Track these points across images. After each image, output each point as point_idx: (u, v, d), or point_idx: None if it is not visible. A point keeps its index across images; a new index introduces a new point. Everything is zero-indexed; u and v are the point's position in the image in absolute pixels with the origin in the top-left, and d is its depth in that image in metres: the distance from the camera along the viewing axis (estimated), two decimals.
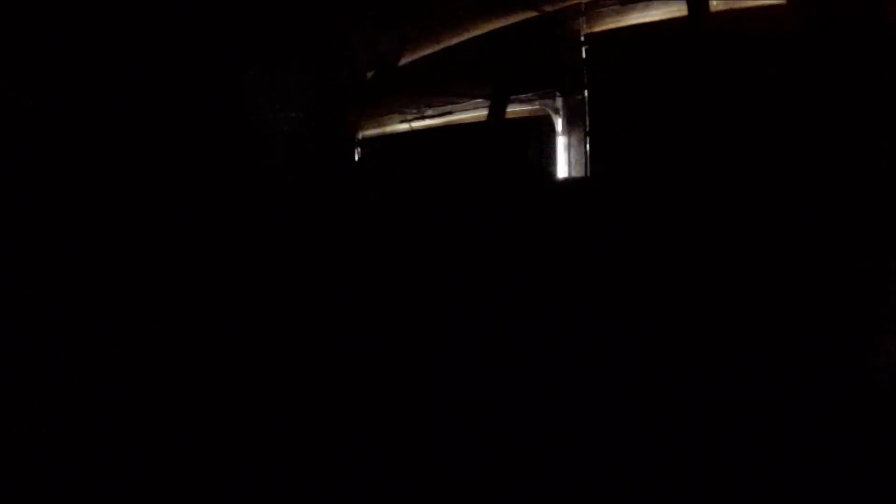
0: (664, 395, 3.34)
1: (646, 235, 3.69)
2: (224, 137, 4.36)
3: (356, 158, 5.28)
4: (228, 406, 3.60)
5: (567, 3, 4.42)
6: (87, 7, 3.78)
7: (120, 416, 3.46)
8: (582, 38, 4.42)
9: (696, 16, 3.83)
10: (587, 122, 4.38)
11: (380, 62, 4.98)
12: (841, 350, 3.16)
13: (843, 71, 3.30)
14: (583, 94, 4.41)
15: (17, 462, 3.13)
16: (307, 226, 4.48)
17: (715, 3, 3.86)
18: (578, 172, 4.44)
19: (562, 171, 4.55)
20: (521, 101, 4.78)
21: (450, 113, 5.10)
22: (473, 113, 5.04)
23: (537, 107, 4.79)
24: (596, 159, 4.31)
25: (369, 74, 5.05)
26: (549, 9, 4.48)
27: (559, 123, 4.64)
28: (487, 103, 4.75)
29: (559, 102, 4.66)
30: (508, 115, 4.79)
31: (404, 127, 5.25)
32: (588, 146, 4.36)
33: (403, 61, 5.01)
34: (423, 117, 5.15)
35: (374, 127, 5.34)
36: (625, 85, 4.14)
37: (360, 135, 5.30)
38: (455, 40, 4.88)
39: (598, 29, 4.40)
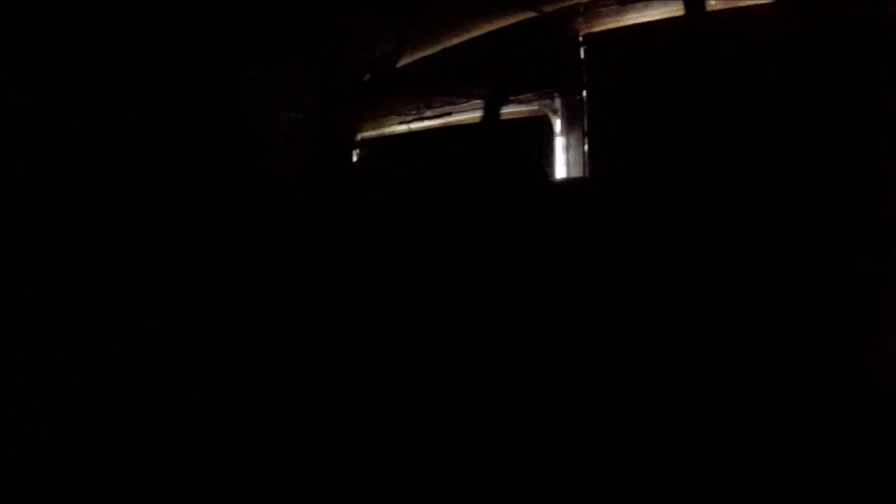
0: (664, 395, 3.35)
1: (645, 235, 3.69)
2: (224, 137, 4.36)
3: (356, 159, 5.28)
4: (228, 406, 3.60)
5: (566, 4, 4.43)
6: (87, 7, 3.78)
7: (120, 416, 3.46)
8: (580, 39, 4.42)
9: (692, 15, 3.84)
10: (586, 123, 4.38)
11: (379, 63, 4.98)
12: (841, 350, 3.16)
13: (843, 71, 3.31)
14: (581, 95, 4.41)
15: (17, 462, 3.12)
16: (307, 226, 4.47)
17: (713, 2, 3.87)
18: (577, 173, 4.43)
19: (561, 171, 4.54)
20: (520, 102, 4.78)
21: (449, 114, 5.10)
22: (472, 114, 5.04)
23: (536, 107, 4.78)
24: (595, 160, 4.30)
25: (369, 75, 5.05)
26: (547, 9, 4.48)
27: (558, 124, 4.64)
28: (486, 104, 4.76)
29: (558, 103, 4.65)
30: (507, 116, 4.80)
31: (403, 128, 5.24)
32: (587, 146, 4.36)
33: (403, 62, 5.01)
34: (423, 118, 5.14)
35: (373, 128, 5.33)
36: (623, 85, 4.14)
37: (360, 135, 5.29)
38: (454, 41, 4.88)
39: (596, 29, 4.40)
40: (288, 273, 4.24)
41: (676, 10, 4.00)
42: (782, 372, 3.20)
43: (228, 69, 4.43)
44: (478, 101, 4.91)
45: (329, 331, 4.04)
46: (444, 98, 5.03)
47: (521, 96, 4.76)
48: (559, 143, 4.60)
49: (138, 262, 3.90)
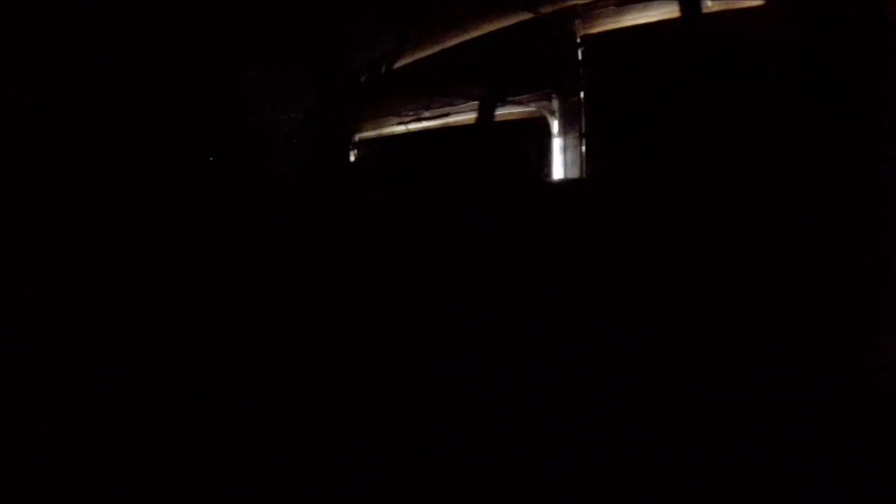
0: (664, 395, 3.35)
1: (643, 236, 3.69)
2: (224, 137, 4.37)
3: (356, 159, 5.28)
4: (228, 406, 3.60)
5: (564, 5, 4.43)
6: (87, 7, 3.78)
7: (120, 416, 3.46)
8: (578, 40, 4.43)
9: (690, 16, 3.85)
10: (583, 124, 4.38)
11: (378, 63, 4.99)
12: (841, 350, 3.17)
13: (842, 71, 3.31)
14: (579, 96, 4.41)
15: (17, 462, 3.12)
16: (306, 225, 4.47)
17: (710, 3, 3.87)
18: (575, 174, 4.44)
19: (558, 172, 4.55)
20: (518, 103, 4.78)
21: (447, 115, 5.10)
22: (471, 115, 5.04)
23: (533, 108, 4.79)
24: (592, 160, 4.30)
25: (368, 75, 5.06)
26: (546, 10, 4.48)
27: (555, 125, 4.64)
28: (484, 105, 4.76)
29: (555, 104, 4.66)
30: (505, 118, 4.80)
31: (402, 129, 5.24)
32: (584, 147, 4.36)
33: (402, 62, 5.02)
34: (421, 119, 5.15)
35: (373, 128, 5.33)
36: (621, 86, 4.13)
37: (360, 135, 5.29)
38: (453, 41, 4.88)
39: (594, 30, 4.40)
40: (287, 273, 4.24)
41: (674, 12, 4.00)
42: (782, 372, 3.20)
43: (228, 69, 4.44)
44: (476, 101, 4.91)
45: (328, 331, 4.04)
46: (442, 98, 5.03)
47: (518, 97, 4.76)
48: (557, 143, 4.60)
49: (138, 261, 3.90)
